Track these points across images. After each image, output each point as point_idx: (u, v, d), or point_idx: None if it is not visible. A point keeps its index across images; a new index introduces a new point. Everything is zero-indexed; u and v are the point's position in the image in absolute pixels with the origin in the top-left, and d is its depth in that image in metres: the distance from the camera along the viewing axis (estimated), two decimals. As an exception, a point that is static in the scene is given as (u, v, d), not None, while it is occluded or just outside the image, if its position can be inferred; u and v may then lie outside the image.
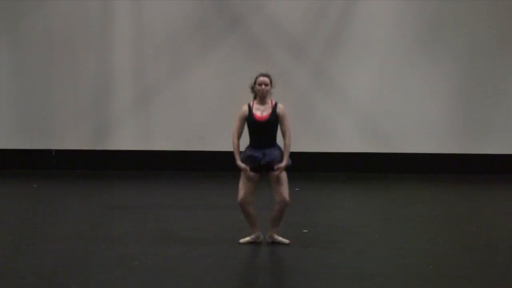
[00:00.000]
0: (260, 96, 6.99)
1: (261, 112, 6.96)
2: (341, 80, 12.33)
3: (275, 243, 7.07)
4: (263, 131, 6.95)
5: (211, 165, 12.35)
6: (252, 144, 6.99)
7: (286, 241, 7.11)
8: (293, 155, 7.06)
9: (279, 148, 6.99)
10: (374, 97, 12.31)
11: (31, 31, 12.36)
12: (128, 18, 12.38)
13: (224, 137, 11.95)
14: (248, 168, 6.90)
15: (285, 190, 6.96)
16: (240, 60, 12.20)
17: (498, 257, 6.73)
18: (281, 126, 7.01)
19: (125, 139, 12.44)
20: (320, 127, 12.34)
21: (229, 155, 11.71)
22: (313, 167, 12.32)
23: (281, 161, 6.91)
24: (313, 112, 12.26)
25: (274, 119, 6.96)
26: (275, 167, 6.90)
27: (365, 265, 6.34)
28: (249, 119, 6.97)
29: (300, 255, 6.72)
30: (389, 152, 12.38)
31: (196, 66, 12.34)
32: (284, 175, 6.95)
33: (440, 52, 12.25)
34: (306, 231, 7.68)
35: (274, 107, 6.99)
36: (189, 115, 12.34)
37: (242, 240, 7.12)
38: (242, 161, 6.94)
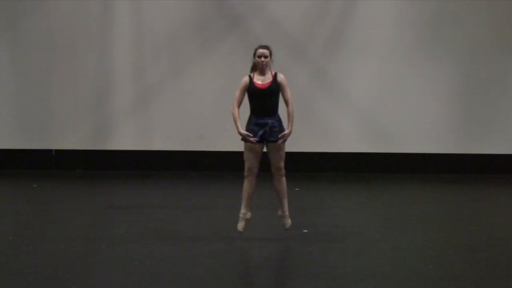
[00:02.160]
0: (260, 68, 7.08)
1: (261, 81, 7.08)
2: (341, 80, 12.32)
3: (276, 241, 7.09)
4: (265, 99, 7.05)
5: (211, 165, 12.35)
6: (254, 113, 7.06)
7: (287, 225, 7.28)
8: (293, 155, 7.09)
9: (280, 119, 7.06)
10: (374, 97, 12.31)
11: (31, 31, 12.35)
12: (128, 18, 12.38)
13: (224, 137, 11.99)
14: (251, 135, 6.95)
15: (281, 158, 7.12)
16: (240, 60, 12.17)
17: (498, 257, 6.73)
18: (283, 94, 7.16)
19: (125, 139, 12.43)
20: (320, 127, 12.33)
21: (229, 155, 11.82)
22: (313, 167, 12.31)
23: (275, 132, 7.01)
24: (313, 112, 12.26)
25: (275, 87, 7.09)
26: (279, 135, 6.97)
27: (365, 265, 6.34)
28: (250, 88, 7.07)
29: (300, 255, 6.72)
30: (389, 152, 12.37)
31: (196, 66, 12.34)
32: (283, 146, 7.04)
33: (440, 52, 12.24)
34: (306, 231, 7.68)
35: (275, 76, 7.11)
36: (189, 115, 12.34)
37: (240, 228, 7.25)
38: (246, 135, 7.02)
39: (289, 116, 7.13)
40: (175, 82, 12.38)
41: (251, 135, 7.01)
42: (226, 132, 11.71)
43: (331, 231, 7.80)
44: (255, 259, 6.62)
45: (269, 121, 7.05)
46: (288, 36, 12.23)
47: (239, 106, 7.14)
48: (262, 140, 7.09)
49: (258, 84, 7.07)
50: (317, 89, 12.32)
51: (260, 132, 7.03)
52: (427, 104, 12.29)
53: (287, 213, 7.32)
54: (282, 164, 7.14)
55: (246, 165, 7.12)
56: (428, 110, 12.29)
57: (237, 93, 7.17)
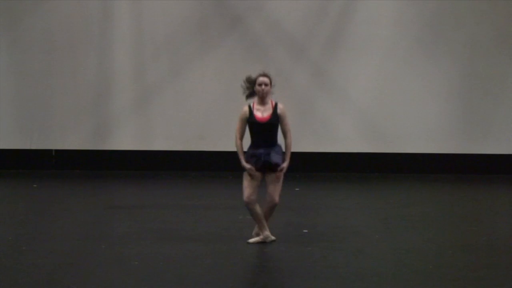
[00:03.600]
0: (260, 96, 7.01)
1: (261, 113, 6.99)
2: (341, 80, 12.32)
3: (276, 241, 7.08)
4: (265, 132, 6.98)
5: (211, 165, 12.35)
6: (254, 145, 7.02)
7: (270, 238, 7.11)
8: (293, 155, 7.08)
9: (281, 148, 7.02)
10: (374, 97, 12.31)
11: (31, 31, 12.36)
12: (128, 18, 12.38)
13: (224, 137, 11.98)
14: (253, 168, 6.92)
15: (277, 191, 7.01)
16: (240, 60, 12.20)
17: (498, 257, 6.73)
18: (281, 126, 7.04)
19: (125, 139, 12.44)
20: (320, 127, 12.33)
21: (229, 155, 11.79)
22: (313, 167, 12.32)
23: (279, 160, 6.94)
24: (313, 112, 12.27)
25: (275, 120, 6.99)
26: (278, 168, 6.92)
27: (365, 265, 6.34)
28: (250, 121, 6.99)
29: (300, 255, 6.72)
30: (389, 152, 12.37)
31: (196, 66, 12.34)
32: (281, 178, 6.99)
33: (440, 52, 12.25)
34: (306, 231, 7.68)
35: (275, 108, 7.02)
36: (189, 115, 12.34)
37: (251, 240, 7.12)
38: (246, 161, 6.96)
39: (287, 148, 7.01)
40: (175, 82, 12.38)
41: (253, 169, 6.94)
42: (226, 132, 11.71)
43: (331, 231, 7.80)
44: (255, 259, 6.62)
45: (269, 152, 6.95)
46: (288, 36, 12.24)
47: (242, 138, 7.03)
48: (260, 169, 6.98)
49: (258, 117, 6.97)
50: (317, 89, 12.32)
51: (259, 163, 6.93)
52: (427, 104, 12.29)
53: (265, 235, 7.14)
54: (277, 197, 7.01)
55: (246, 192, 6.97)
56: (428, 110, 12.29)
57: (238, 124, 7.03)
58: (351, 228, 7.93)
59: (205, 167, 12.36)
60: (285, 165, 6.99)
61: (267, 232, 7.09)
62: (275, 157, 6.94)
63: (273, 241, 7.09)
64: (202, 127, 12.34)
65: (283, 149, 7.06)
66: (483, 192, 11.07)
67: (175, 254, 6.67)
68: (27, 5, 12.34)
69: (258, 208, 7.01)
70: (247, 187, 6.97)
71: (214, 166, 12.30)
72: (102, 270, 6.18)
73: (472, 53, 12.26)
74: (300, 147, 11.91)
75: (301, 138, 11.79)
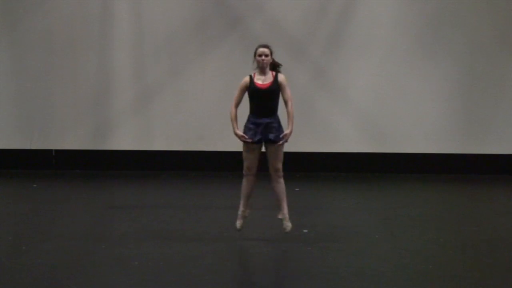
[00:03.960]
0: (260, 67, 7.12)
1: (262, 81, 7.08)
2: (341, 80, 12.32)
3: (276, 241, 7.09)
4: (265, 99, 7.06)
5: (211, 165, 12.35)
6: (253, 113, 7.07)
7: (287, 228, 7.21)
8: (293, 155, 7.09)
9: (279, 120, 7.06)
10: (374, 97, 12.31)
11: (31, 31, 12.36)
12: (128, 18, 12.38)
13: (224, 137, 11.97)
14: (246, 136, 6.98)
15: (279, 159, 7.12)
16: (240, 60, 12.18)
17: (498, 257, 6.73)
18: (282, 94, 7.17)
19: (125, 139, 12.43)
20: (320, 127, 12.33)
21: (229, 155, 11.81)
22: (313, 167, 12.31)
23: (276, 137, 7.00)
24: (313, 112, 12.26)
25: (276, 87, 7.10)
26: (281, 137, 7.01)
27: (365, 265, 6.34)
28: (251, 88, 7.08)
29: (300, 255, 6.72)
30: (389, 152, 12.37)
31: (196, 66, 12.34)
32: (281, 147, 7.04)
33: (440, 52, 12.24)
34: (306, 231, 7.68)
35: (276, 77, 7.10)
36: (189, 115, 12.33)
37: (239, 226, 7.27)
38: (244, 132, 7.01)
39: (289, 116, 7.14)
40: (175, 82, 12.38)
41: (246, 136, 7.02)
42: (226, 132, 11.67)
43: (331, 231, 7.80)
44: (255, 259, 6.62)
45: (268, 121, 7.06)
46: (288, 36, 12.23)
47: (237, 106, 7.20)
48: (260, 141, 7.09)
49: (258, 84, 7.09)
50: (317, 89, 12.32)
51: (258, 136, 7.02)
52: (427, 104, 12.28)
53: (287, 215, 7.30)
54: (280, 165, 7.13)
55: (245, 164, 7.14)
56: (428, 110, 12.28)
57: (236, 93, 7.21)
58: (351, 228, 7.94)
59: (205, 167, 12.36)
60: (287, 132, 7.07)
61: (243, 208, 7.27)
62: (274, 134, 7.01)
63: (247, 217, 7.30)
64: (202, 127, 12.33)
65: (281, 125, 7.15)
66: (483, 192, 11.07)
67: (175, 254, 6.67)
68: (27, 5, 12.33)
69: (250, 184, 7.14)
70: (247, 158, 7.11)
71: (214, 166, 12.30)
72: (102, 270, 6.18)
73: (472, 53, 12.25)
74: (300, 147, 11.93)
75: (301, 138, 11.79)
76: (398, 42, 12.27)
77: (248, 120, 7.13)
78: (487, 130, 12.29)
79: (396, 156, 12.35)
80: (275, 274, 6.26)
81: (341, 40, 12.27)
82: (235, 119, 7.14)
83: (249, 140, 7.02)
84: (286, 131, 7.09)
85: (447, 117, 12.32)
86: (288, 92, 7.16)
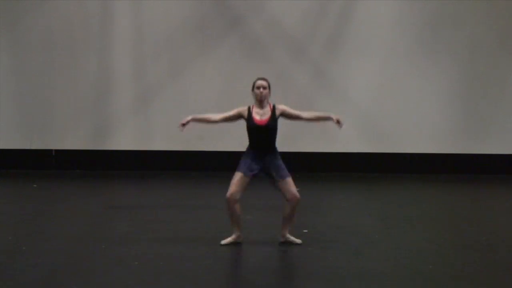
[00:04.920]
0: (259, 99, 7.03)
1: (260, 116, 7.00)
2: (341, 80, 12.33)
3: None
4: (263, 136, 6.99)
5: (211, 165, 12.35)
6: (252, 148, 7.03)
7: (298, 241, 7.13)
8: (293, 155, 7.08)
9: (278, 154, 7.02)
10: (374, 97, 12.31)
11: (31, 31, 12.36)
12: (128, 18, 12.38)
13: (224, 137, 11.99)
14: (181, 126, 7.12)
15: (294, 188, 7.02)
16: (240, 60, 12.20)
17: (498, 257, 6.73)
18: (291, 116, 7.09)
19: (125, 139, 12.44)
20: (320, 127, 12.30)
21: (229, 155, 11.79)
22: (313, 167, 12.32)
23: (282, 171, 6.94)
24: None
25: (274, 123, 7.01)
26: (336, 121, 7.05)
27: (365, 265, 6.34)
28: (248, 123, 7.01)
29: (300, 255, 6.72)
30: (389, 152, 12.38)
31: (196, 66, 12.34)
32: (289, 178, 6.99)
33: (440, 52, 12.25)
34: (306, 231, 7.67)
35: (273, 111, 7.03)
36: (189, 115, 12.29)
37: (223, 242, 7.10)
38: (241, 166, 6.96)
39: (317, 114, 7.25)
40: (175, 82, 12.38)
41: (181, 126, 7.06)
42: (226, 132, 11.71)
43: (331, 231, 7.80)
44: (255, 259, 6.62)
45: (269, 158, 6.99)
46: (288, 36, 12.24)
47: (221, 120, 7.08)
48: (256, 175, 7.00)
49: (256, 120, 6.98)
50: (317, 89, 12.32)
51: (255, 170, 6.95)
52: (427, 104, 12.29)
53: (287, 235, 7.15)
54: (295, 192, 6.98)
55: (231, 189, 6.96)
56: (428, 110, 12.29)
57: (229, 112, 7.08)
58: (351, 228, 7.93)
59: (205, 167, 12.36)
60: (334, 116, 7.10)
61: (239, 233, 7.09)
62: (279, 171, 6.96)
63: (298, 243, 7.09)
64: (202, 127, 12.26)
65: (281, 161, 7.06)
66: (483, 192, 11.07)
67: (175, 254, 6.67)
68: (27, 5, 12.34)
69: (236, 208, 7.00)
70: (235, 185, 6.98)
71: (214, 166, 12.30)
72: (102, 270, 6.18)
73: (472, 53, 12.26)
74: (300, 147, 11.94)
75: (301, 138, 11.80)
76: (398, 42, 12.28)
77: (247, 152, 7.05)
78: (487, 130, 12.30)
79: (396, 156, 12.36)
80: (275, 274, 6.26)
81: (341, 40, 12.28)
82: (205, 117, 7.15)
83: (181, 128, 7.03)
84: (332, 116, 7.07)
85: (447, 117, 12.33)
86: (294, 110, 7.12)
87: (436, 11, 12.24)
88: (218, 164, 12.23)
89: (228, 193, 6.98)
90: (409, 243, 7.21)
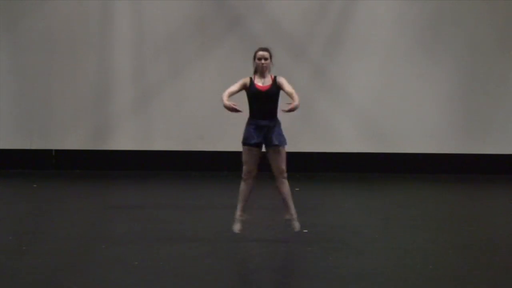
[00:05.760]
0: (260, 70, 7.07)
1: (262, 83, 7.07)
2: (341, 80, 12.32)
3: (276, 241, 7.08)
4: (265, 102, 7.04)
5: (211, 165, 12.35)
6: (253, 116, 7.05)
7: (296, 227, 7.18)
8: (293, 155, 7.09)
9: (279, 123, 7.05)
10: (374, 97, 12.31)
11: (31, 31, 12.36)
12: (128, 18, 12.38)
13: (224, 137, 11.99)
14: (236, 106, 6.93)
15: (282, 162, 7.08)
16: (240, 60, 12.17)
17: (498, 257, 6.73)
18: (285, 90, 7.10)
19: (125, 139, 12.43)
20: (320, 127, 12.33)
21: (229, 155, 11.80)
22: (313, 167, 12.31)
23: (278, 139, 6.96)
24: (313, 112, 12.26)
25: (276, 90, 7.08)
26: (287, 107, 6.91)
27: (365, 265, 6.34)
28: (250, 90, 7.07)
29: (300, 255, 6.72)
30: (389, 152, 12.37)
31: (196, 66, 12.34)
32: (283, 150, 7.03)
33: (440, 52, 12.24)
34: (306, 231, 7.68)
35: (274, 79, 7.09)
36: (189, 115, 12.34)
37: (237, 230, 7.21)
38: (245, 138, 6.98)
39: (294, 95, 7.00)
40: (175, 82, 12.38)
41: (236, 106, 6.96)
42: (226, 132, 11.72)
43: (331, 231, 7.80)
44: (255, 259, 6.62)
45: (269, 124, 7.03)
46: (288, 36, 12.23)
47: (229, 96, 7.08)
48: (260, 145, 7.05)
49: (258, 86, 7.07)
50: (317, 89, 12.32)
51: (259, 139, 7.00)
52: (427, 104, 12.29)
53: (295, 215, 7.26)
54: (284, 166, 7.10)
55: (245, 167, 7.08)
56: (428, 110, 12.28)
57: (233, 85, 7.15)
58: (351, 228, 7.93)
59: (205, 167, 12.36)
60: (295, 103, 6.91)
61: (240, 212, 7.22)
62: (275, 139, 7.00)
63: (296, 230, 7.21)
64: (202, 127, 12.33)
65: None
66: (483, 192, 11.07)
67: (175, 254, 6.67)
68: (27, 5, 12.33)
69: (249, 188, 7.11)
70: (247, 162, 7.06)
71: (214, 166, 12.30)
72: (102, 270, 6.18)
73: (472, 53, 12.25)
74: (300, 147, 11.93)
75: (301, 138, 11.80)
76: (398, 42, 12.28)
77: (248, 122, 7.10)
78: (487, 130, 12.30)
79: (396, 156, 12.35)
80: (275, 274, 6.26)
81: (341, 40, 12.28)
82: (226, 95, 7.04)
83: (240, 110, 6.95)
84: (293, 103, 6.90)
85: (447, 117, 12.32)
86: (289, 86, 7.11)
87: (436, 11, 12.23)
88: (218, 164, 12.23)
89: (244, 171, 7.08)
90: (409, 243, 7.21)
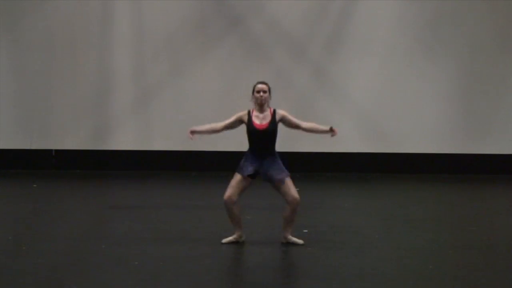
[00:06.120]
0: (259, 103, 7.01)
1: (260, 120, 6.99)
2: (341, 80, 12.33)
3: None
4: (263, 140, 6.98)
5: (211, 165, 12.35)
6: (251, 152, 7.02)
7: (300, 241, 7.12)
8: (293, 155, 7.08)
9: (278, 158, 7.01)
10: (374, 97, 12.32)
11: (31, 31, 12.36)
12: (128, 18, 12.38)
13: (224, 137, 11.95)
14: (191, 135, 7.10)
15: (293, 190, 7.00)
16: (240, 60, 12.20)
17: (498, 257, 6.73)
18: (291, 124, 7.07)
19: (125, 139, 12.44)
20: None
21: (229, 155, 11.80)
22: (313, 167, 12.32)
23: (280, 174, 6.93)
24: (313, 112, 12.25)
25: (274, 127, 7.00)
26: (330, 133, 7.01)
27: (365, 265, 6.34)
28: (248, 127, 7.00)
29: (300, 255, 6.72)
30: (389, 152, 12.38)
31: (196, 66, 12.34)
32: (289, 181, 6.97)
33: (440, 52, 12.25)
34: (306, 231, 7.67)
35: (273, 115, 7.02)
36: (189, 115, 12.34)
37: (224, 240, 7.12)
38: (239, 168, 6.96)
39: (314, 126, 7.13)
40: (175, 82, 12.38)
41: (191, 135, 7.06)
42: (226, 132, 11.68)
43: (331, 231, 7.79)
44: (255, 259, 6.62)
45: (268, 160, 6.97)
46: (288, 36, 12.24)
47: (222, 129, 7.08)
48: (253, 176, 7.00)
49: (256, 124, 6.97)
50: (317, 89, 12.32)
51: (254, 170, 6.93)
52: (427, 104, 12.29)
53: (293, 238, 7.17)
54: (296, 194, 6.97)
55: (228, 191, 6.98)
56: (428, 110, 12.29)
57: (230, 119, 7.07)
58: (351, 228, 7.93)
59: (205, 167, 12.36)
60: (327, 128, 7.05)
61: (240, 232, 7.11)
62: (277, 174, 6.94)
63: (300, 244, 7.07)
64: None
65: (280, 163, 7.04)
66: (483, 192, 11.07)
67: (175, 254, 6.67)
68: (27, 5, 12.34)
69: (236, 209, 7.02)
70: (233, 187, 6.99)
71: (214, 166, 12.30)
72: (102, 270, 6.18)
73: (472, 53, 12.26)
74: (300, 147, 11.93)
75: (301, 138, 11.77)
76: (398, 42, 12.28)
77: (247, 156, 7.04)
78: (487, 130, 12.30)
79: (396, 156, 12.36)
80: (276, 274, 6.26)
81: (341, 40, 12.28)
82: (208, 127, 7.13)
83: (191, 138, 7.05)
84: (327, 128, 7.03)
85: (447, 117, 12.33)
86: (294, 118, 7.09)
87: (436, 10, 12.24)
88: (218, 164, 12.23)
89: (225, 196, 6.99)
90: (409, 243, 7.21)
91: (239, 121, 7.06)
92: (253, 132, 6.98)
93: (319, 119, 12.17)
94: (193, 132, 7.13)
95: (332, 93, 12.33)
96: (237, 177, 7.00)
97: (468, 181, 11.82)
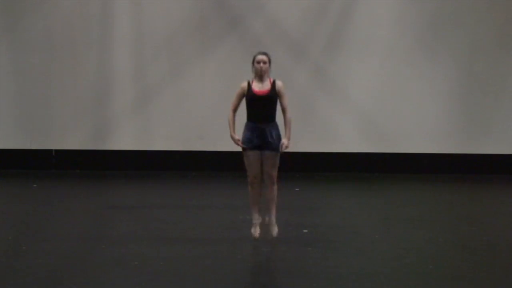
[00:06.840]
0: (259, 74, 7.03)
1: (260, 87, 7.02)
2: (341, 80, 12.32)
3: (276, 241, 7.07)
4: (263, 106, 6.98)
5: (211, 165, 12.35)
6: (251, 120, 7.01)
7: (274, 232, 7.13)
8: (293, 155, 7.07)
9: (277, 127, 7.01)
10: (374, 97, 12.31)
11: (31, 31, 12.36)
12: (128, 18, 12.38)
13: (224, 137, 11.95)
14: (239, 142, 6.97)
15: (274, 168, 7.00)
16: (240, 60, 12.18)
17: (498, 257, 6.73)
18: (281, 101, 7.08)
19: (125, 139, 12.44)
20: (320, 127, 12.33)
21: (229, 155, 11.80)
22: (313, 167, 12.31)
23: (273, 143, 6.94)
24: (313, 112, 12.27)
25: (274, 94, 7.01)
26: (281, 146, 6.90)
27: (365, 265, 6.34)
28: (248, 94, 7.01)
29: (300, 255, 6.72)
30: (389, 152, 12.37)
31: (196, 66, 12.34)
32: (278, 155, 6.98)
33: (440, 52, 12.25)
34: (306, 231, 7.68)
35: (273, 83, 7.05)
36: (189, 115, 12.34)
37: (255, 234, 7.10)
38: (245, 142, 6.96)
39: (287, 124, 7.01)
40: (175, 82, 12.38)
41: (239, 142, 6.98)
42: (226, 132, 11.64)
43: (331, 231, 7.80)
44: (255, 259, 6.62)
45: (266, 127, 6.97)
46: (288, 36, 12.23)
47: (235, 111, 7.07)
48: (258, 147, 6.99)
49: (256, 90, 6.98)
50: (317, 89, 12.32)
51: (256, 142, 6.95)
52: (427, 104, 12.29)
53: (274, 220, 7.19)
54: (274, 172, 7.00)
55: (249, 173, 7.01)
56: (428, 110, 12.29)
57: (234, 98, 7.10)
58: (351, 228, 7.93)
59: (205, 167, 12.36)
60: (285, 141, 6.94)
61: (256, 216, 7.12)
62: (274, 142, 6.94)
63: (273, 235, 7.12)
64: (202, 127, 12.34)
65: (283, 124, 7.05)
66: (483, 192, 11.07)
67: (175, 255, 6.67)
68: (27, 5, 12.34)
69: (258, 192, 7.04)
70: (250, 166, 7.00)
71: (214, 166, 12.30)
72: (102, 270, 6.18)
73: (472, 53, 12.26)
74: (300, 147, 11.92)
75: (301, 138, 11.79)
76: (398, 42, 12.28)
77: (246, 127, 7.04)
78: (487, 130, 12.30)
79: (396, 156, 12.36)
80: (275, 274, 6.26)
81: (341, 40, 12.28)
82: (232, 122, 7.06)
83: (244, 146, 6.97)
84: (283, 140, 6.93)
85: (447, 117, 12.33)
86: (286, 99, 7.06)
87: (436, 11, 12.24)
88: (218, 164, 12.23)
89: (250, 178, 7.00)
90: (409, 243, 7.21)
91: (242, 95, 7.07)
92: (252, 99, 6.97)
93: (319, 119, 12.28)
94: (238, 139, 7.04)
95: (332, 93, 12.33)
96: (247, 154, 6.98)
97: (468, 181, 11.82)
